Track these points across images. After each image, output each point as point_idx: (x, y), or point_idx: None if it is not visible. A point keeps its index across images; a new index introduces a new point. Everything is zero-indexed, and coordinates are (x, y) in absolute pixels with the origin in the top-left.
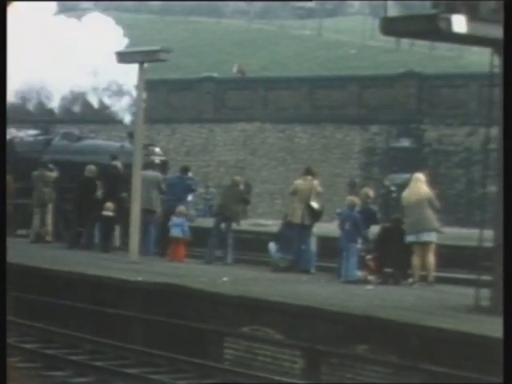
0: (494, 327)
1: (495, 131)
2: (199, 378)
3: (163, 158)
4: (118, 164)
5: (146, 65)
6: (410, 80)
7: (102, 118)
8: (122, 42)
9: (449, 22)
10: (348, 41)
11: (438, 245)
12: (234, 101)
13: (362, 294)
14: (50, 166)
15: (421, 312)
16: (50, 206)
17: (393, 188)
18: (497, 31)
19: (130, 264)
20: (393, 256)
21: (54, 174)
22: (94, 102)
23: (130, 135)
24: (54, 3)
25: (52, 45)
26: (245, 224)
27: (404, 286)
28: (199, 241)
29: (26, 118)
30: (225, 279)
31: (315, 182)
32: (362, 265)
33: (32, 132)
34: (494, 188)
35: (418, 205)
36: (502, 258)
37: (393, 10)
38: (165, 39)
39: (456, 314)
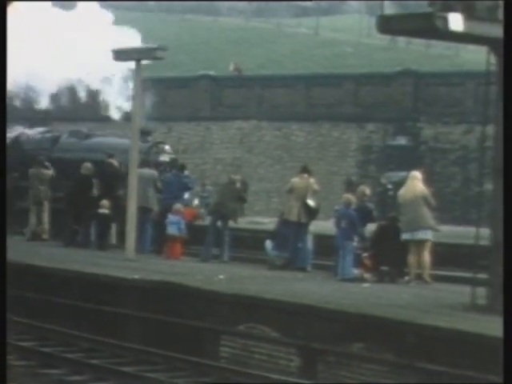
0: (490, 325)
1: (491, 129)
2: (195, 376)
3: (173, 156)
4: (115, 162)
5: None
6: (407, 78)
7: (95, 115)
8: (121, 41)
9: (445, 21)
10: (344, 39)
11: (434, 243)
12: (230, 99)
13: (358, 292)
14: (46, 163)
15: (417, 310)
16: (46, 204)
17: (389, 186)
18: (493, 30)
19: (127, 262)
20: (389, 254)
21: (49, 172)
22: (83, 93)
23: (140, 133)
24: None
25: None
26: (241, 222)
27: (400, 284)
28: (195, 239)
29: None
30: (221, 277)
31: (311, 180)
32: (359, 263)
33: (39, 129)
34: (490, 186)
35: (413, 203)
36: (502, 258)
37: (389, 11)
38: (161, 37)
39: (452, 313)
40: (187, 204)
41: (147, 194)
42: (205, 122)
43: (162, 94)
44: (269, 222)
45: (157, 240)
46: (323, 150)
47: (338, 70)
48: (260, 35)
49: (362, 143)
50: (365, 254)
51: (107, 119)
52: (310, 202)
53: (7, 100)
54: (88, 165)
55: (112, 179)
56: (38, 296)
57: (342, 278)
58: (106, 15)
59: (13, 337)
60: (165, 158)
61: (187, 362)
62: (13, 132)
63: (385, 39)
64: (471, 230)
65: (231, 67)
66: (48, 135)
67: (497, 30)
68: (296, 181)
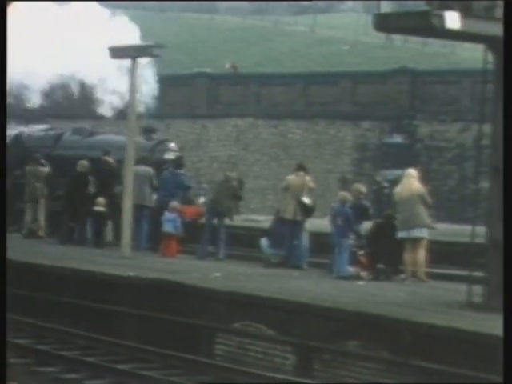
0: (486, 323)
1: (488, 127)
2: (191, 373)
3: (178, 153)
4: (110, 159)
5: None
6: (403, 76)
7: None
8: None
9: (442, 19)
10: (341, 37)
11: (430, 241)
12: (227, 96)
13: (354, 290)
14: (43, 161)
15: (413, 308)
16: (43, 202)
17: (385, 184)
18: (490, 28)
19: (122, 259)
20: (385, 252)
21: (46, 170)
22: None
23: (145, 130)
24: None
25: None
26: (237, 220)
27: (396, 281)
28: (191, 236)
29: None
30: (217, 275)
31: (307, 178)
32: (354, 261)
33: (42, 127)
34: (486, 184)
35: (409, 201)
36: (499, 256)
37: (385, 10)
38: (158, 35)
39: (448, 311)
40: (192, 202)
41: (143, 192)
42: (201, 120)
43: (159, 92)
44: (264, 220)
45: (153, 237)
46: (319, 148)
47: (335, 67)
48: (257, 33)
49: (358, 141)
50: (360, 252)
51: (102, 117)
52: (306, 200)
53: None
54: (84, 162)
55: (108, 177)
56: (35, 294)
57: (338, 276)
58: (104, 12)
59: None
60: (170, 155)
61: (183, 360)
62: (12, 130)
63: (382, 37)
64: (467, 228)
65: (227, 65)
66: (50, 133)
67: (494, 28)
68: (292, 178)
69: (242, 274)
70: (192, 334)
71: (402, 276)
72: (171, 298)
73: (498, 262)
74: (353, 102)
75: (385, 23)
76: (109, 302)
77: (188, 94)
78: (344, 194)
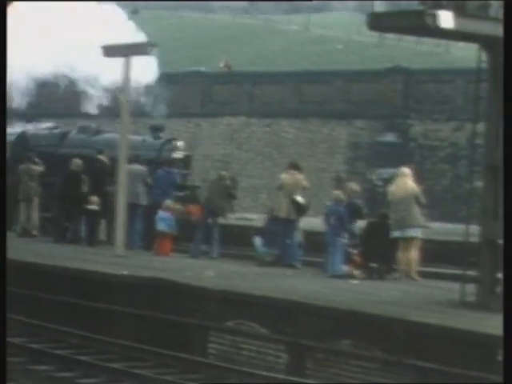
0: (479, 322)
1: (482, 127)
2: (184, 372)
3: (186, 152)
4: (104, 158)
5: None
6: (397, 75)
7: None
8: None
9: (435, 18)
10: (335, 36)
11: (423, 240)
12: (220, 95)
13: (348, 289)
14: (36, 159)
15: (406, 307)
16: (36, 200)
17: (378, 183)
18: (484, 27)
19: (116, 258)
20: (378, 251)
21: (39, 168)
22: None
23: (153, 129)
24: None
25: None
26: (230, 218)
27: (390, 280)
28: (185, 235)
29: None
30: (210, 273)
31: (301, 177)
32: (348, 259)
33: (47, 125)
34: (480, 183)
35: (404, 200)
36: (496, 256)
37: (379, 10)
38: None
39: (442, 309)
40: (198, 201)
41: (137, 190)
42: (195, 119)
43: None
44: (258, 219)
45: (146, 236)
46: (313, 147)
47: (329, 66)
48: (250, 32)
49: (352, 140)
50: (354, 251)
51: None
52: (299, 199)
53: None
54: (77, 161)
55: (101, 175)
56: (28, 292)
57: (332, 275)
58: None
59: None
60: (178, 154)
61: (176, 359)
62: (18, 127)
63: (375, 36)
64: (460, 227)
65: (221, 64)
66: (56, 131)
67: (487, 27)
68: (285, 177)
69: (235, 272)
70: (185, 332)
71: (396, 275)
72: (165, 296)
73: (491, 260)
74: (346, 101)
75: (379, 22)
76: (102, 300)
77: (181, 92)
78: (338, 192)
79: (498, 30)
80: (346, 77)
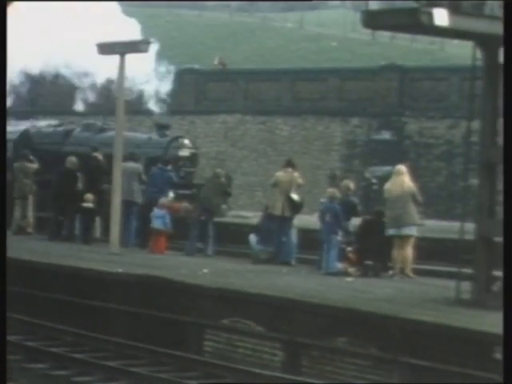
0: (474, 320)
1: (476, 124)
2: (179, 370)
3: (193, 150)
4: (99, 156)
5: None
6: (392, 73)
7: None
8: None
9: (430, 16)
10: (329, 33)
11: (418, 237)
12: (215, 93)
13: (343, 286)
14: (31, 157)
15: (401, 304)
16: (31, 198)
17: (373, 180)
18: (479, 25)
19: (111, 255)
20: (373, 248)
21: (34, 166)
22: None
23: (158, 127)
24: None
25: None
26: (227, 216)
27: (384, 278)
28: (180, 233)
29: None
30: (205, 271)
31: (296, 174)
32: (343, 257)
33: (51, 122)
34: (475, 181)
35: (401, 198)
36: (491, 254)
37: (374, 8)
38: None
39: (437, 307)
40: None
41: (132, 188)
42: (189, 116)
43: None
44: (253, 216)
45: (141, 234)
46: (307, 144)
47: (323, 64)
48: (245, 30)
49: (347, 137)
50: (349, 248)
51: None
52: (294, 196)
53: None
54: (72, 159)
55: (97, 173)
56: (23, 290)
57: (326, 272)
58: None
59: None
60: (184, 152)
61: (171, 357)
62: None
63: (370, 34)
64: (455, 224)
65: (216, 61)
66: (60, 129)
67: (482, 25)
68: (280, 175)
69: (230, 270)
70: (181, 330)
71: (391, 272)
72: (160, 294)
73: (487, 258)
74: (341, 99)
75: (373, 20)
76: (97, 298)
77: (176, 90)
78: (332, 190)
79: (492, 27)
80: (340, 74)
